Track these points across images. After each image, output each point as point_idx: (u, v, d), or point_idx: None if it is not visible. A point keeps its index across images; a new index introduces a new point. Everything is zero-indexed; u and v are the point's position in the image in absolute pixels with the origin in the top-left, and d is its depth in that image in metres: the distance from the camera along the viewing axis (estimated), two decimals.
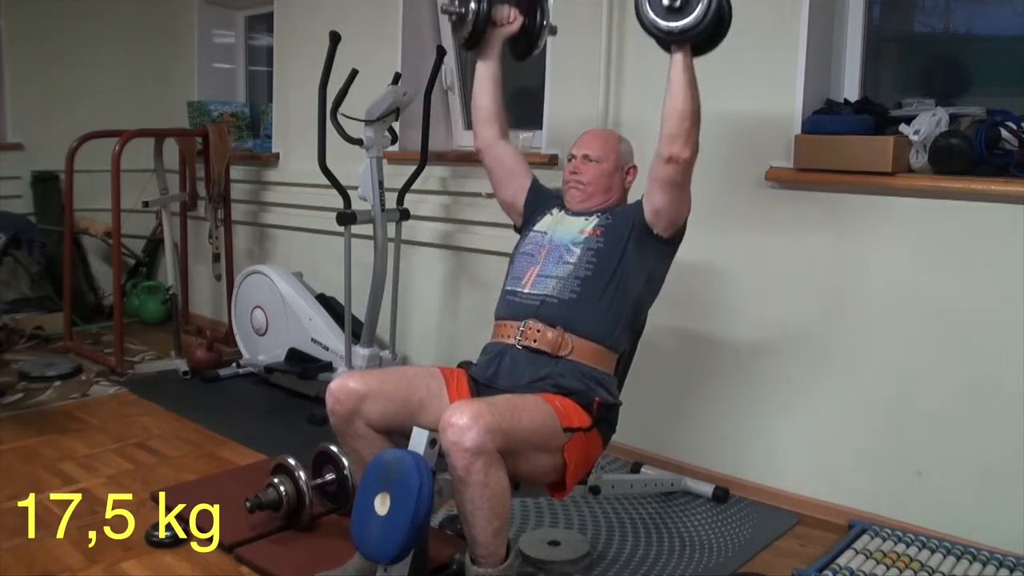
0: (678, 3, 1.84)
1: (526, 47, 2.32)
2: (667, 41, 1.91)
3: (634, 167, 2.19)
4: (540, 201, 2.24)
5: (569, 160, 2.18)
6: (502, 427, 1.67)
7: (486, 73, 2.25)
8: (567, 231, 2.10)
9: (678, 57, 1.89)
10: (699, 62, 2.59)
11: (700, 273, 2.60)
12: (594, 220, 2.10)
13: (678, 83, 1.89)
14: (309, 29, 3.85)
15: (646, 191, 2.04)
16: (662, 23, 1.87)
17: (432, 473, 1.69)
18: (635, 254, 2.02)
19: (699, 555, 2.22)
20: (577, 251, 2.04)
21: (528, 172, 2.28)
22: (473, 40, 2.22)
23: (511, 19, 2.21)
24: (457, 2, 2.21)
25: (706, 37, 1.89)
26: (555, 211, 2.20)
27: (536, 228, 2.17)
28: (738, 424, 2.62)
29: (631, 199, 2.20)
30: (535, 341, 1.98)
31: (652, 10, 1.88)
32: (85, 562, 2.10)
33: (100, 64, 4.71)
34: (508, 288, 2.12)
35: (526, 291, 2.05)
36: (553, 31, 2.37)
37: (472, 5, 2.17)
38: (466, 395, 1.96)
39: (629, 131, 2.70)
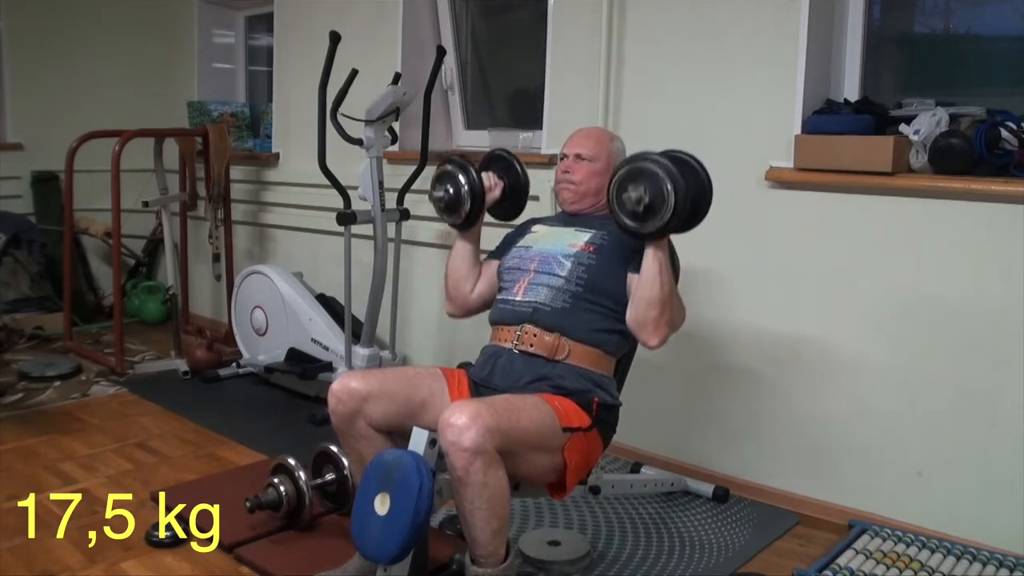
0: (641, 209, 1.81)
1: (514, 207, 2.25)
2: (640, 239, 1.88)
3: None
4: (513, 239, 2.21)
5: (561, 159, 2.17)
6: (501, 427, 1.67)
7: (467, 248, 2.18)
8: (556, 242, 2.08)
9: (649, 250, 1.87)
10: (699, 65, 2.61)
11: (700, 273, 2.60)
12: (586, 235, 2.06)
13: (647, 272, 1.87)
14: (309, 29, 3.85)
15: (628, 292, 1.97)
16: (628, 223, 1.85)
17: (432, 473, 1.69)
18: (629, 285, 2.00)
19: (699, 555, 2.22)
20: (568, 264, 2.01)
21: (490, 266, 2.21)
22: (473, 217, 2.11)
23: (492, 185, 2.15)
24: (441, 187, 2.10)
25: (679, 230, 1.87)
26: (537, 227, 2.18)
27: (519, 244, 2.16)
28: (738, 424, 2.63)
29: None
30: (532, 345, 1.97)
31: (622, 213, 1.86)
32: (85, 562, 2.10)
33: (100, 64, 4.71)
34: (500, 297, 2.11)
35: (518, 299, 2.03)
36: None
37: (462, 180, 2.07)
38: (467, 395, 1.96)
39: (629, 131, 2.71)
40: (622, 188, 1.84)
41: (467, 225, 2.16)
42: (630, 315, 1.92)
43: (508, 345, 2.00)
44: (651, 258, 1.87)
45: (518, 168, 2.22)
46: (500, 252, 2.22)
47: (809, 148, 2.36)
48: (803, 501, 2.49)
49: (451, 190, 2.10)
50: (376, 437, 1.89)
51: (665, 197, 1.78)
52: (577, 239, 2.06)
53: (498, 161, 2.24)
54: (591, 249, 2.03)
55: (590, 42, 2.83)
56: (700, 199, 1.87)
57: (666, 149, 1.87)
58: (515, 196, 2.23)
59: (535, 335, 1.97)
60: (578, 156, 2.13)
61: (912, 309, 2.28)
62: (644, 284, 1.88)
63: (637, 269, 1.93)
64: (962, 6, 2.55)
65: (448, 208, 2.14)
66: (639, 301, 1.89)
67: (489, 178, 2.16)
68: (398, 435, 1.90)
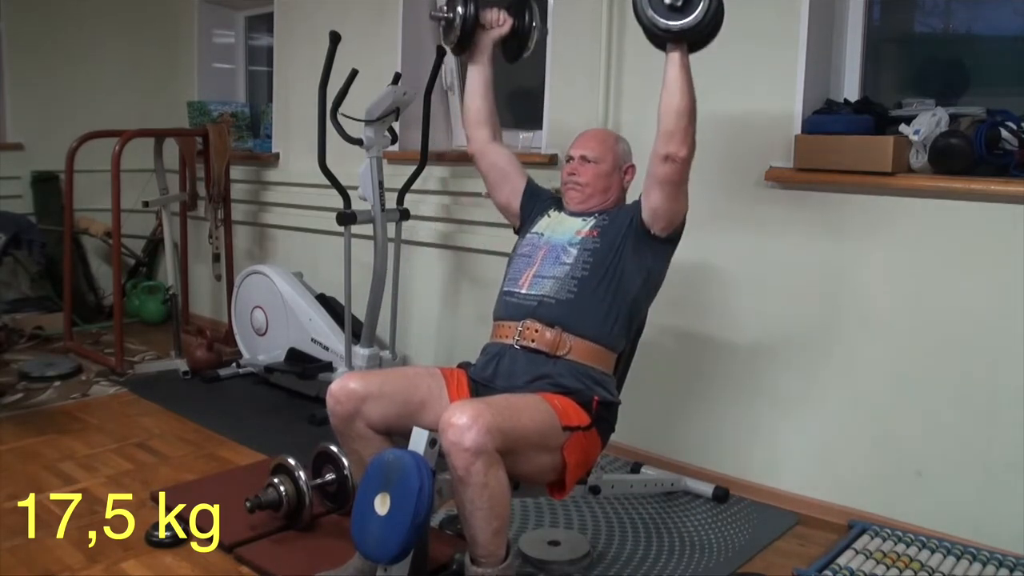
0: (680, 2, 1.81)
1: (517, 49, 2.32)
2: (664, 39, 1.87)
3: (632, 167, 2.19)
4: (537, 202, 2.24)
5: (567, 161, 2.18)
6: (501, 427, 1.67)
7: (478, 77, 2.26)
8: (564, 232, 2.10)
9: (675, 56, 1.87)
10: (698, 61, 2.60)
11: (699, 273, 2.60)
12: (591, 221, 2.09)
13: (675, 81, 1.87)
14: (309, 29, 3.85)
15: (643, 190, 2.03)
16: (661, 21, 1.84)
17: (432, 473, 1.69)
18: (632, 253, 2.02)
19: (699, 555, 2.22)
20: (574, 251, 2.05)
21: (522, 173, 2.27)
22: (462, 44, 2.23)
23: (501, 22, 2.22)
24: (445, 7, 2.21)
25: (704, 36, 1.87)
26: (552, 212, 2.19)
27: (533, 230, 2.17)
28: (738, 424, 2.63)
29: (630, 197, 2.21)
30: (533, 341, 1.98)
31: (652, 7, 1.84)
32: (85, 562, 2.10)
33: (100, 64, 4.71)
34: (505, 289, 2.12)
35: (523, 292, 2.05)
36: (543, 32, 2.36)
37: (459, 9, 2.18)
38: (466, 395, 1.96)
39: (629, 131, 2.70)
40: None
41: (459, 50, 2.26)
42: (660, 128, 1.91)
43: (510, 341, 2.01)
44: (678, 67, 1.86)
45: (528, 17, 2.28)
46: (526, 193, 2.25)
47: (809, 148, 2.36)
48: (803, 501, 2.49)
49: (450, 14, 2.20)
50: (375, 438, 1.89)
51: None
52: (583, 226, 2.09)
53: (518, 4, 2.28)
54: (595, 234, 2.05)
55: (590, 42, 2.83)
56: (720, 17, 1.84)
57: None
58: (516, 41, 2.29)
59: (536, 331, 1.98)
60: (584, 158, 2.14)
61: (912, 309, 2.28)
62: (672, 93, 1.87)
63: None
64: (962, 6, 2.55)
65: (445, 29, 2.25)
66: (667, 112, 1.89)
67: (500, 15, 2.22)
68: (397, 435, 1.90)
